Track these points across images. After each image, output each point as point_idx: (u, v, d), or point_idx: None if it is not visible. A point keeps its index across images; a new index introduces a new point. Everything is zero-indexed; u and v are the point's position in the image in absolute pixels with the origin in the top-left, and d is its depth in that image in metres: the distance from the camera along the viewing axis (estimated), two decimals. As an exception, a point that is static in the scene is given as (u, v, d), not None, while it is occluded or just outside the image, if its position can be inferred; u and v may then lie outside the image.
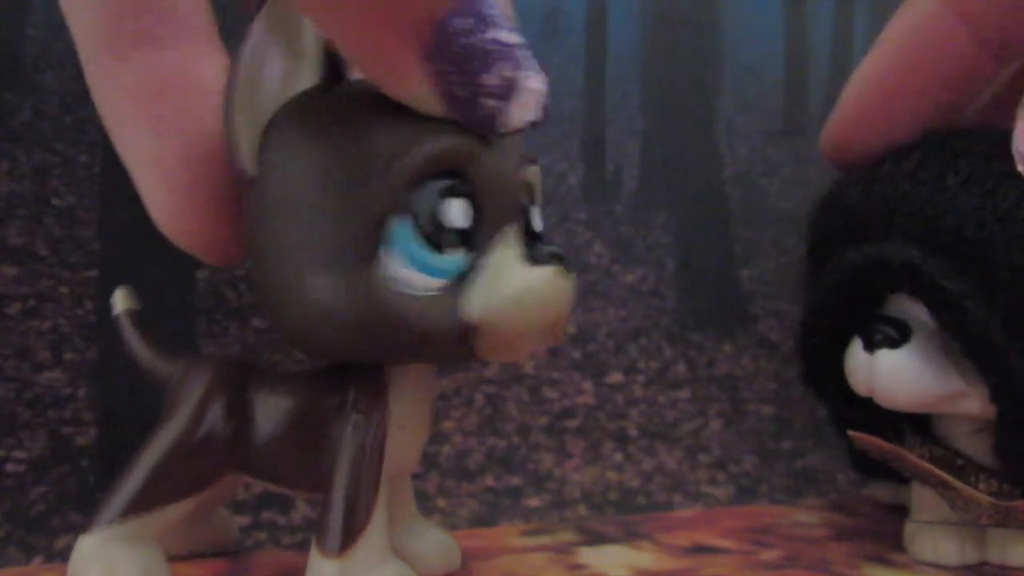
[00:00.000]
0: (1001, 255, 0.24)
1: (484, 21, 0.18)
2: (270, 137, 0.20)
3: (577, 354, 0.38)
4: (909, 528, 0.29)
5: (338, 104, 0.20)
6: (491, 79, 0.18)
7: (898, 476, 0.28)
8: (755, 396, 0.40)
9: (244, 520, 0.32)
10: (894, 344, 0.25)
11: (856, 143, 0.28)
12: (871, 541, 0.30)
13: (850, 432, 0.27)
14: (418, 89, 0.18)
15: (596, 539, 0.30)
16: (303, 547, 0.24)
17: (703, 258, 0.40)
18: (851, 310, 0.27)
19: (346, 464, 0.21)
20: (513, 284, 0.19)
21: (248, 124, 0.20)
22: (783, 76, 0.42)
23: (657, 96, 0.40)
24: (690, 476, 0.39)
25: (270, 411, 0.22)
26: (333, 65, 0.20)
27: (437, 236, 0.19)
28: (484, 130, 0.19)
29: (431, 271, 0.19)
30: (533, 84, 0.19)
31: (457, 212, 0.19)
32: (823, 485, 0.41)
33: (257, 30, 0.19)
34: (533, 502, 0.36)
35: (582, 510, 0.37)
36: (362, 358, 0.21)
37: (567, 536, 0.30)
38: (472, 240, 0.20)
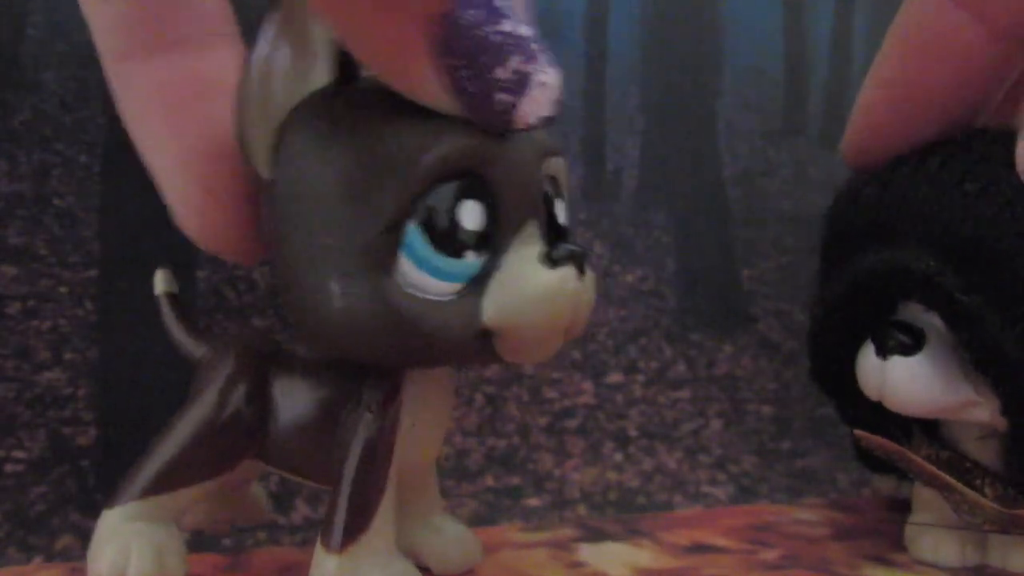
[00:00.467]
0: (1019, 268, 0.23)
1: (495, 13, 0.18)
2: (283, 139, 0.20)
3: (577, 354, 0.38)
4: (910, 528, 0.29)
5: (351, 106, 0.20)
6: (503, 73, 0.18)
7: (900, 471, 0.28)
8: (755, 396, 0.40)
9: (244, 520, 0.32)
10: (908, 351, 0.25)
11: (878, 148, 0.28)
12: (871, 541, 0.30)
13: (857, 432, 0.27)
14: (429, 85, 0.18)
15: (596, 536, 0.30)
16: (303, 546, 0.24)
17: (703, 258, 0.40)
18: (864, 312, 0.27)
19: (355, 461, 0.21)
20: (531, 287, 0.19)
21: (261, 125, 0.20)
22: (783, 76, 0.42)
23: (657, 96, 0.40)
24: (690, 476, 0.39)
25: (289, 400, 0.22)
26: (346, 64, 0.20)
27: (452, 239, 0.19)
28: (497, 126, 0.19)
29: (445, 276, 0.19)
30: (547, 78, 0.18)
31: (471, 215, 0.19)
32: (823, 485, 0.41)
33: (269, 29, 0.19)
34: (533, 502, 0.36)
35: (582, 510, 0.37)
36: (380, 361, 0.21)
37: (567, 533, 0.30)
38: (489, 240, 0.19)
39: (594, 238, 0.39)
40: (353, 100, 0.20)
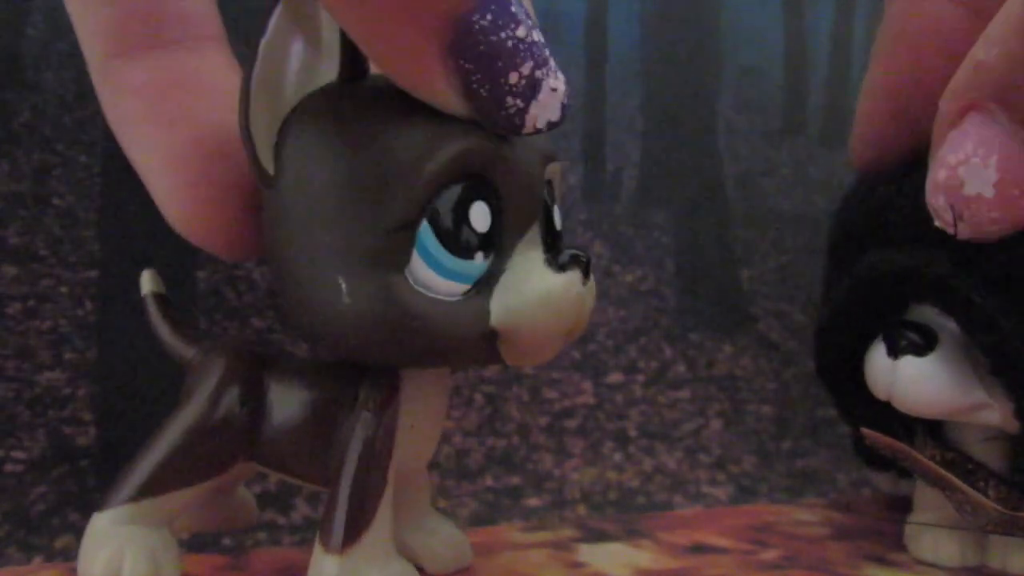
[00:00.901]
0: None
1: (508, 18, 0.18)
2: (289, 134, 0.20)
3: (577, 354, 0.38)
4: (910, 528, 0.29)
5: (359, 103, 0.20)
6: (515, 77, 0.18)
7: (900, 468, 0.28)
8: (755, 396, 0.40)
9: (244, 520, 0.32)
10: (920, 352, 0.25)
11: (885, 148, 0.27)
12: (871, 541, 0.30)
13: (863, 430, 0.26)
14: (439, 87, 0.18)
15: (596, 536, 0.30)
16: (303, 546, 0.24)
17: (703, 258, 0.40)
18: (874, 312, 0.27)
19: (353, 461, 0.21)
20: (537, 290, 0.19)
21: (266, 119, 0.20)
22: (783, 76, 0.42)
23: (657, 96, 0.40)
24: (690, 476, 0.39)
25: (283, 401, 0.22)
26: (354, 59, 0.20)
27: (459, 240, 0.19)
28: (506, 130, 0.19)
29: (453, 276, 0.19)
30: (557, 84, 0.18)
31: (479, 216, 0.19)
32: (823, 485, 0.41)
33: (276, 23, 0.19)
34: (533, 502, 0.36)
35: (582, 510, 0.37)
36: (385, 361, 0.21)
37: (567, 533, 0.30)
38: (494, 243, 0.20)
39: (594, 238, 0.39)
40: (362, 97, 0.20)
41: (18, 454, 0.30)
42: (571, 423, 0.37)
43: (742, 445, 0.40)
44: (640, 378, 0.39)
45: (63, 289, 0.31)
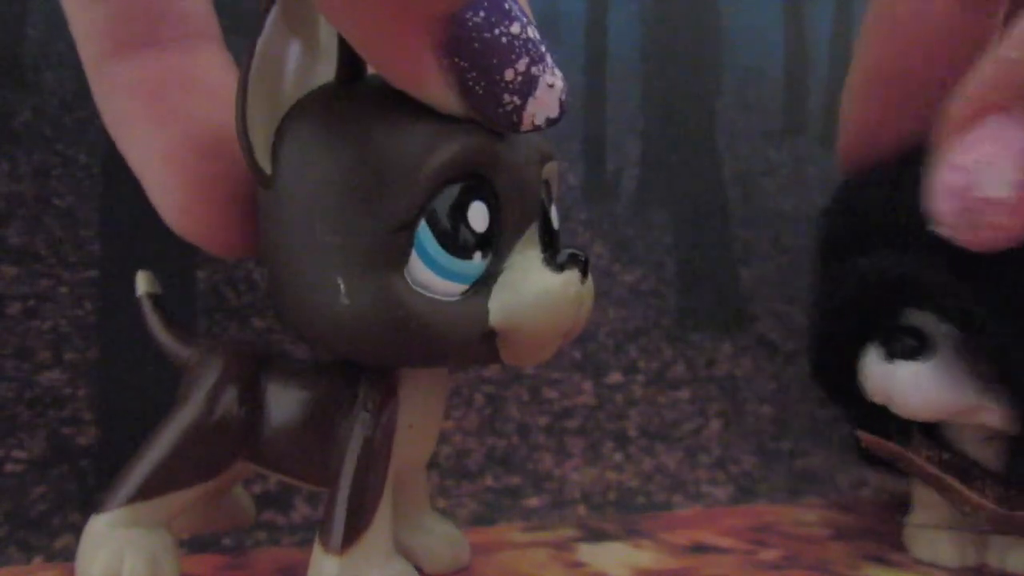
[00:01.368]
0: None
1: (502, 14, 0.18)
2: (286, 134, 0.20)
3: (577, 354, 0.38)
4: (910, 528, 0.29)
5: (355, 103, 0.20)
6: (511, 74, 0.18)
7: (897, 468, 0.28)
8: (755, 396, 0.40)
9: (244, 520, 0.32)
10: (914, 355, 0.25)
11: (875, 147, 0.27)
12: (871, 541, 0.30)
13: (858, 432, 0.26)
14: (435, 86, 0.18)
15: (596, 536, 0.30)
16: (303, 546, 0.24)
17: (703, 258, 0.40)
18: (868, 316, 0.27)
19: (353, 461, 0.21)
20: (535, 289, 0.19)
21: (263, 119, 0.20)
22: (783, 76, 0.42)
23: (657, 96, 0.40)
24: (690, 476, 0.39)
25: (281, 402, 0.22)
26: (351, 60, 0.20)
27: (457, 240, 0.19)
28: (504, 127, 0.19)
29: (452, 276, 0.19)
30: (554, 80, 0.18)
31: (477, 216, 0.19)
32: (823, 485, 0.41)
33: (272, 23, 0.19)
34: (533, 502, 0.36)
35: (582, 510, 0.37)
36: (383, 361, 0.21)
37: (567, 533, 0.30)
38: (492, 242, 0.20)
39: (594, 238, 0.39)
40: (359, 97, 0.20)
41: (18, 454, 0.30)
42: (571, 423, 0.37)
43: (742, 445, 0.40)
44: (640, 378, 0.39)
45: (63, 289, 0.31)
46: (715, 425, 0.40)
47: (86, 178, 0.32)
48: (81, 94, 0.31)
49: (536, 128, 0.19)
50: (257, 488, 0.32)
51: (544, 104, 0.18)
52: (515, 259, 0.20)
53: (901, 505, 0.31)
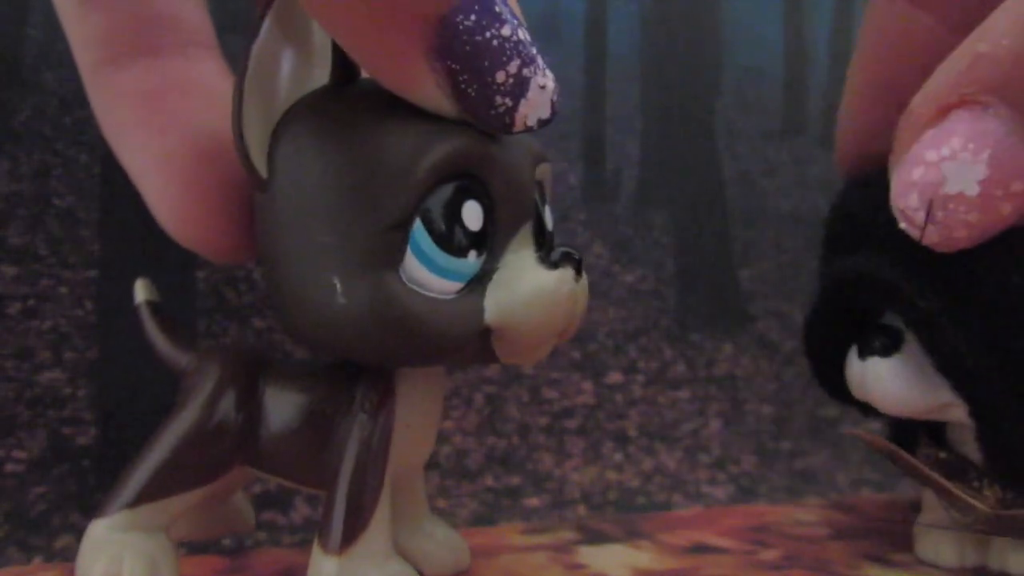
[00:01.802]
0: (975, 272, 0.23)
1: (492, 17, 0.18)
2: (281, 138, 0.20)
3: (577, 354, 0.38)
4: (917, 527, 0.29)
5: (350, 106, 0.20)
6: (502, 76, 0.18)
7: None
8: (755, 396, 0.40)
9: (244, 520, 0.32)
10: (885, 352, 0.25)
11: (867, 155, 0.27)
12: (871, 541, 0.30)
13: (847, 431, 0.27)
14: (427, 89, 0.18)
15: (596, 538, 0.30)
16: (303, 546, 0.24)
17: (703, 258, 0.40)
18: (849, 317, 0.27)
19: (351, 462, 0.21)
20: (531, 288, 0.19)
21: (258, 123, 0.20)
22: (783, 76, 0.42)
23: (657, 96, 0.40)
24: (690, 476, 0.39)
25: (279, 405, 0.22)
26: (345, 63, 0.20)
27: (452, 239, 0.19)
28: (497, 129, 0.19)
29: (447, 274, 0.19)
30: (545, 81, 0.19)
31: (471, 215, 0.19)
32: (823, 485, 0.41)
33: (267, 28, 0.19)
34: (533, 502, 0.36)
35: (582, 510, 0.37)
36: (380, 360, 0.21)
37: (567, 535, 0.30)
38: (487, 242, 0.20)
39: (594, 238, 0.39)
40: (354, 100, 0.20)
41: (18, 454, 0.30)
42: (571, 423, 0.37)
43: (742, 445, 0.40)
44: (640, 378, 0.39)
45: (63, 289, 0.31)
46: (715, 425, 0.40)
47: (86, 178, 0.32)
48: (81, 94, 0.31)
49: (528, 129, 0.19)
50: (257, 488, 0.32)
51: (536, 105, 0.19)
52: (509, 258, 0.20)
53: (912, 505, 0.31)
